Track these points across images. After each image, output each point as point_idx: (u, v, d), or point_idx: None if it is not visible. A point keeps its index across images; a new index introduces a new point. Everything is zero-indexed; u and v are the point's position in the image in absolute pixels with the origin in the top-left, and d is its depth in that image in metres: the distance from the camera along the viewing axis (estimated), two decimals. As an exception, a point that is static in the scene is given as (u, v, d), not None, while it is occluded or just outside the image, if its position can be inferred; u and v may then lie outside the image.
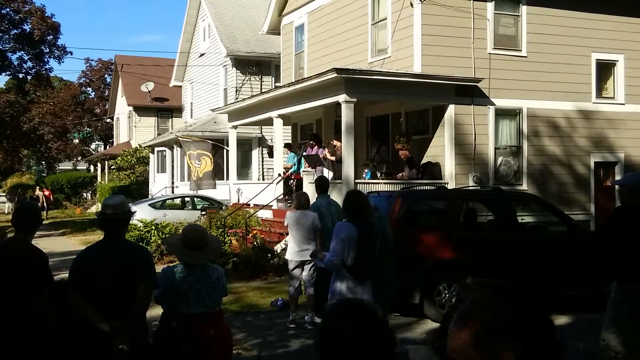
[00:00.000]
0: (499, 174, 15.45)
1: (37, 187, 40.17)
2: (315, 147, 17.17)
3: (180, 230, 5.92)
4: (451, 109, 14.78)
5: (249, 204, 18.23)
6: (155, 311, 6.04)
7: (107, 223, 4.73)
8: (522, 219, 12.26)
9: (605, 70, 16.89)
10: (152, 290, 4.81)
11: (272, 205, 17.27)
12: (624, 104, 16.87)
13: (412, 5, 14.89)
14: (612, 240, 6.03)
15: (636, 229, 5.88)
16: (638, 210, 6.03)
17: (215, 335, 5.00)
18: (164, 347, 4.94)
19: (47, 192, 37.55)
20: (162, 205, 21.99)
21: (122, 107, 42.87)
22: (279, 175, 17.78)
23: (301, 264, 9.57)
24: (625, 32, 16.77)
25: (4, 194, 41.78)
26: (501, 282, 1.71)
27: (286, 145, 19.48)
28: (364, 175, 15.10)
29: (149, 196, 29.98)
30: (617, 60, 16.85)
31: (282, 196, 17.34)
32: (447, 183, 14.49)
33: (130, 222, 18.36)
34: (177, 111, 37.27)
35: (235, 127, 20.64)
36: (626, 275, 5.89)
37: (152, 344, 5.04)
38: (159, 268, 5.72)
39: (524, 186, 15.57)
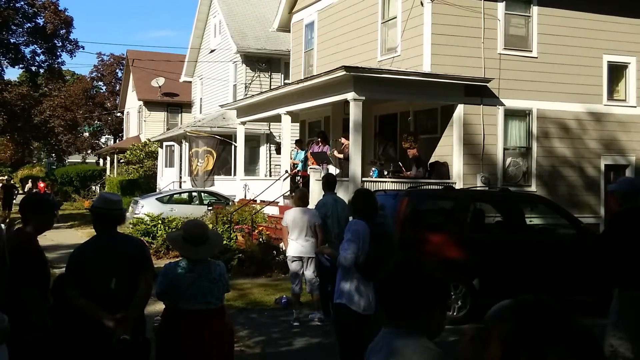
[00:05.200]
0: (508, 174, 15.36)
1: (30, 180, 40.29)
2: (321, 144, 17.14)
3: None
4: (460, 109, 14.71)
5: (255, 200, 18.23)
6: (157, 306, 6.03)
7: (100, 217, 4.80)
8: (530, 221, 12.17)
9: (616, 72, 16.76)
10: (152, 281, 4.83)
11: (278, 202, 17.25)
12: (635, 107, 16.73)
13: (422, 4, 14.82)
14: (612, 248, 5.98)
15: (634, 235, 5.84)
16: (634, 216, 5.99)
17: (217, 331, 4.99)
18: (166, 343, 4.94)
19: (42, 184, 37.61)
20: (169, 199, 22.01)
21: (132, 102, 43.03)
22: (286, 171, 17.77)
23: (299, 259, 9.59)
24: (638, 34, 16.63)
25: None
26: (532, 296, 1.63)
27: (296, 142, 19.46)
28: (371, 174, 15.06)
29: (157, 190, 30.06)
30: (629, 63, 16.71)
31: (288, 193, 17.30)
32: (455, 183, 14.42)
33: (138, 215, 18.28)
34: (186, 106, 37.39)
35: (243, 123, 20.64)
36: (627, 283, 5.84)
37: (154, 339, 5.03)
38: (164, 262, 5.72)
39: (533, 188, 15.47)
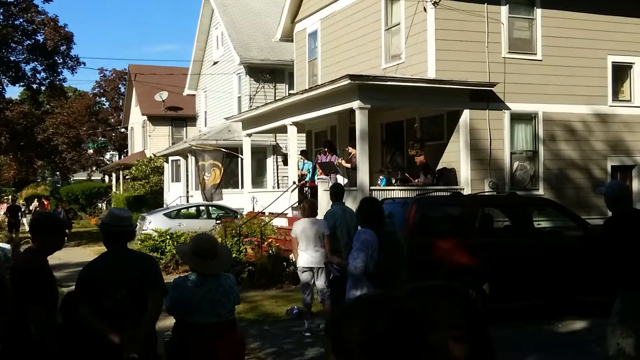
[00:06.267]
0: (515, 179, 15.29)
1: (36, 199, 40.18)
2: (329, 154, 17.10)
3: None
4: (466, 114, 14.65)
5: (264, 212, 18.18)
6: (167, 322, 5.98)
7: (110, 234, 4.75)
8: (538, 224, 12.12)
9: (621, 73, 16.70)
10: (162, 298, 4.78)
11: (287, 213, 17.21)
12: (641, 107, 16.67)
13: (425, 10, 14.80)
14: (608, 251, 6.05)
15: (628, 236, 5.88)
16: (625, 219, 6.04)
17: (229, 344, 4.94)
18: (178, 358, 4.89)
19: (46, 202, 37.64)
20: (177, 214, 21.99)
21: (136, 117, 43.08)
22: (294, 183, 17.73)
23: (310, 270, 9.56)
24: (642, 34, 16.58)
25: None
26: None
27: (302, 153, 19.42)
28: (379, 182, 15.01)
29: (164, 205, 30.04)
30: (634, 63, 16.64)
31: (297, 204, 17.25)
32: (463, 189, 14.36)
33: (146, 231, 18.20)
34: (191, 120, 37.35)
35: (249, 135, 20.62)
36: (627, 284, 5.87)
37: (164, 354, 4.98)
38: (173, 277, 5.67)
39: (541, 191, 15.40)
